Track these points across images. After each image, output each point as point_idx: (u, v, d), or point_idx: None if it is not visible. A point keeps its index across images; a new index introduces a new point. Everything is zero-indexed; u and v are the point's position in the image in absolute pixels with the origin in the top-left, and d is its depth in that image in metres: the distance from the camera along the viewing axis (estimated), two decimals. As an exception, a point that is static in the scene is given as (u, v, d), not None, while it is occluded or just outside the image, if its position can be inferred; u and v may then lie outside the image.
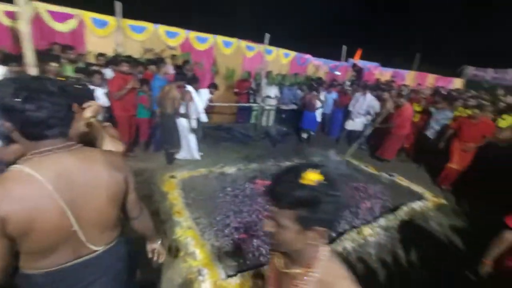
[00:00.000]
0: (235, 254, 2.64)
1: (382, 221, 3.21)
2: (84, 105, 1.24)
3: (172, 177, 3.71)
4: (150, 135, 4.78)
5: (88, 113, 1.23)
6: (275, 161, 4.76)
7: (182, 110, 4.17)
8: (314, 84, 6.39)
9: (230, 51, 6.80)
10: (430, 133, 5.12)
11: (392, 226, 3.15)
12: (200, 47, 6.35)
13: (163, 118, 4.15)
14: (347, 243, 2.71)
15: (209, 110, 6.24)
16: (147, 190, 3.30)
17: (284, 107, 6.88)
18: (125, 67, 4.01)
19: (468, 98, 5.95)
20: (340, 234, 2.96)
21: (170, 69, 5.37)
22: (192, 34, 6.20)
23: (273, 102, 6.89)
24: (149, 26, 5.73)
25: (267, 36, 5.71)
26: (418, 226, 3.24)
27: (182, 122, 4.27)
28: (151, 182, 3.52)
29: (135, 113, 4.38)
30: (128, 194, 1.09)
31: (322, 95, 6.33)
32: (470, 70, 11.49)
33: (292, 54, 7.93)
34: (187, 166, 4.17)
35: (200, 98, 4.69)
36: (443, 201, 3.90)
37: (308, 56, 8.29)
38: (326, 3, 15.51)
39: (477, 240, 3.07)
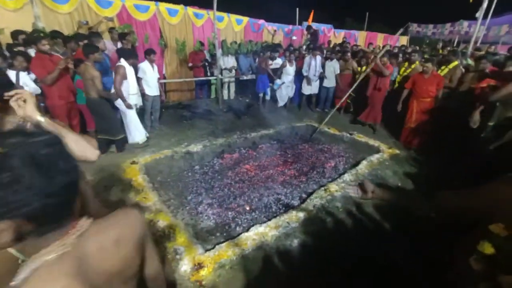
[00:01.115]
0: (211, 228, 2.65)
1: (346, 176, 3.44)
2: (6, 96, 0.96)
3: (134, 163, 3.47)
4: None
5: (18, 109, 0.96)
6: (241, 134, 4.72)
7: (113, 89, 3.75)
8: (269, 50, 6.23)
9: (177, 20, 6.17)
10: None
11: (355, 179, 3.40)
12: (141, 16, 5.64)
13: (89, 104, 3.59)
14: (316, 201, 2.87)
15: (164, 88, 5.83)
16: (108, 182, 3.05)
17: (244, 77, 6.68)
18: (45, 46, 3.39)
19: (411, 53, 6.34)
20: (310, 194, 3.12)
21: (108, 45, 4.75)
22: (129, 2, 5.43)
23: (232, 73, 6.63)
24: (74, -6, 4.88)
25: (215, 0, 5.27)
26: (377, 176, 3.55)
27: (118, 102, 3.82)
28: (111, 172, 3.25)
29: (74, 99, 3.85)
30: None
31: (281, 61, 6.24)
32: (414, 27, 12.16)
33: (245, 20, 7.53)
34: (149, 150, 3.92)
35: (149, 73, 4.31)
36: (396, 151, 4.28)
37: (262, 21, 7.97)
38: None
39: (425, 181, 3.50)
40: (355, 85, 5.02)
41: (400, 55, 5.93)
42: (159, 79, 4.64)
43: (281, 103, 6.39)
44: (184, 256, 2.04)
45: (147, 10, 5.69)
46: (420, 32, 11.87)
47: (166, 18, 6.00)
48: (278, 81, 6.11)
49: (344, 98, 5.51)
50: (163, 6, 5.91)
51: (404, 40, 12.24)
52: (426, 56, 6.07)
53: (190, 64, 6.42)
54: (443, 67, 4.59)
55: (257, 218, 2.87)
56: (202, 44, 6.43)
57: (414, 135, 4.39)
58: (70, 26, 4.93)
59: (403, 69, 5.15)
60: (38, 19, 4.55)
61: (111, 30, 4.97)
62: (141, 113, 4.46)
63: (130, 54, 3.93)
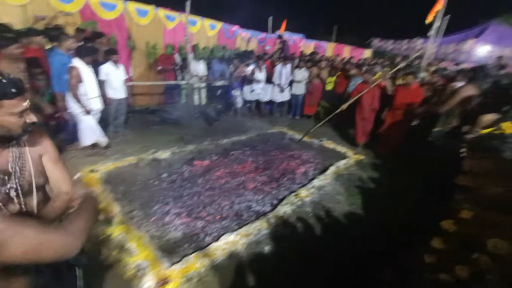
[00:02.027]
0: (179, 240, 2.52)
1: (315, 182, 3.52)
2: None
3: (92, 171, 3.21)
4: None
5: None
6: (212, 140, 4.62)
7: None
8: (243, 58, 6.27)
9: (147, 21, 5.94)
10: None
11: (323, 184, 3.50)
12: (107, 15, 5.33)
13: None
14: (287, 207, 2.88)
15: (131, 91, 5.52)
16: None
17: (217, 83, 6.59)
18: None
19: (374, 65, 6.81)
20: (281, 200, 3.13)
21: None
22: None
23: (203, 79, 6.52)
24: (30, -14, 4.46)
25: (188, 3, 5.18)
26: (343, 181, 3.68)
27: (73, 108, 3.55)
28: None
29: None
30: None
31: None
32: (376, 42, 13.14)
33: (219, 25, 7.50)
34: (112, 157, 3.66)
35: (113, 74, 4.06)
36: (362, 157, 4.50)
37: (236, 27, 8.00)
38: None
39: (385, 183, 3.71)
40: (349, 102, 4.70)
41: (364, 67, 6.33)
42: (126, 80, 4.38)
43: (237, 105, 6.41)
44: (147, 271, 1.90)
45: (114, 9, 5.40)
46: (381, 46, 12.85)
47: (135, 18, 5.74)
48: (233, 92, 6.12)
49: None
50: (132, 5, 5.65)
51: (368, 53, 13.12)
52: (386, 68, 6.56)
53: (160, 67, 6.18)
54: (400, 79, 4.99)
55: (228, 226, 2.79)
56: (173, 48, 6.25)
57: (383, 142, 4.64)
58: (24, 20, 4.48)
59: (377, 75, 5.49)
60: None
61: (76, 29, 4.55)
62: (103, 117, 4.17)
63: (87, 51, 3.61)
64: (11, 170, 0.96)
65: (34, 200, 1.04)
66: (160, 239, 2.50)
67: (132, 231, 2.32)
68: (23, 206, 1.00)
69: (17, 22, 4.34)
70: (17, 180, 0.97)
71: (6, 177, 0.94)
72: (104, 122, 4.19)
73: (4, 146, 0.95)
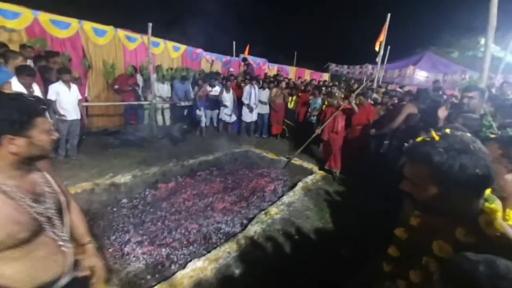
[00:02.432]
0: (141, 271, 2.27)
1: (285, 199, 3.53)
2: None
3: (37, 200, 2.81)
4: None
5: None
6: (178, 161, 4.43)
7: None
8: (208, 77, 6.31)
9: (105, 41, 5.73)
10: (311, 119, 6.03)
11: (293, 201, 3.52)
12: (60, 33, 5.02)
13: None
14: (257, 225, 2.82)
15: (87, 112, 5.14)
16: None
17: (181, 103, 6.48)
18: None
19: (332, 86, 7.37)
20: (251, 219, 3.05)
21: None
22: (44, 16, 4.79)
23: (167, 99, 6.38)
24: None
25: (150, 25, 5.15)
26: (311, 196, 3.76)
27: None
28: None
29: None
30: None
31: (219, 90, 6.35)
32: (333, 66, 14.40)
33: (183, 47, 7.55)
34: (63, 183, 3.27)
35: (63, 94, 3.76)
36: (326, 173, 4.68)
37: (200, 50, 8.12)
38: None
39: (350, 195, 3.88)
40: (322, 126, 4.57)
41: (323, 88, 6.80)
42: (80, 101, 4.08)
43: (203, 125, 6.34)
44: (101, 312, 1.65)
45: (68, 27, 5.12)
46: (338, 70, 14.12)
47: (92, 37, 5.50)
48: (198, 112, 6.11)
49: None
50: (88, 25, 5.42)
51: (326, 76, 14.24)
52: (342, 90, 7.14)
53: (116, 87, 5.89)
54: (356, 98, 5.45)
55: (196, 251, 2.61)
56: (134, 68, 6.05)
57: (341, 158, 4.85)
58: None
59: (327, 100, 5.87)
60: None
61: (22, 46, 4.17)
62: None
63: (24, 70, 3.25)
64: (42, 191, 0.95)
65: (67, 217, 1.05)
66: (118, 272, 2.23)
67: (84, 266, 2.03)
68: (62, 225, 0.99)
69: None
70: (50, 200, 0.97)
71: (41, 198, 0.93)
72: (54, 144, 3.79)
73: (30, 167, 0.94)
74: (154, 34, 5.53)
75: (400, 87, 7.37)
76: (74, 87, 3.93)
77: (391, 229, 1.05)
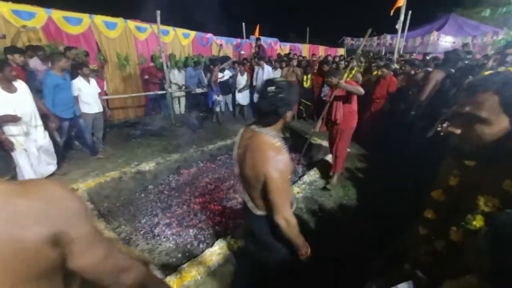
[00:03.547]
0: (171, 250, 2.40)
1: (306, 178, 3.51)
2: None
3: (72, 190, 3.00)
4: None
5: None
6: (197, 147, 4.52)
7: None
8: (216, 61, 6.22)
9: (116, 34, 5.76)
10: (323, 96, 5.83)
11: (314, 179, 3.50)
12: (73, 30, 5.10)
13: None
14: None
15: (107, 105, 5.31)
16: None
17: (197, 90, 6.49)
18: None
19: (350, 60, 7.00)
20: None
21: (34, 63, 4.18)
22: (57, 14, 4.87)
23: (182, 87, 6.41)
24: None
25: (158, 13, 5.10)
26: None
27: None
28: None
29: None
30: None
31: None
32: (348, 41, 13.67)
33: (192, 34, 7.45)
34: (92, 173, 3.46)
35: (84, 89, 3.88)
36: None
37: (210, 35, 7.99)
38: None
39: (375, 170, 3.78)
40: (318, 120, 3.66)
41: (342, 63, 6.48)
42: (100, 94, 4.20)
43: (219, 110, 6.30)
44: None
45: (80, 23, 5.19)
46: (353, 44, 13.38)
47: (103, 31, 5.56)
48: (217, 98, 6.09)
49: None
50: (99, 18, 5.46)
51: (341, 52, 13.59)
52: (360, 64, 6.79)
53: (146, 77, 6.11)
54: (375, 72, 5.17)
55: (221, 231, 2.70)
56: (155, 58, 6.13)
57: (365, 133, 4.69)
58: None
59: (345, 74, 5.62)
60: None
61: (36, 47, 4.29)
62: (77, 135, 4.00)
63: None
64: None
65: None
66: (151, 252, 2.37)
67: (121, 246, 2.17)
68: None
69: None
70: None
71: None
72: (80, 138, 3.98)
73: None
74: (163, 22, 5.48)
75: (423, 56, 6.85)
76: (93, 80, 4.04)
77: (418, 204, 1.01)
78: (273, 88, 1.14)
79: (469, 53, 5.28)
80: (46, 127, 3.25)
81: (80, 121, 3.89)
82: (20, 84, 2.90)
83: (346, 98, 3.10)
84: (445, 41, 9.61)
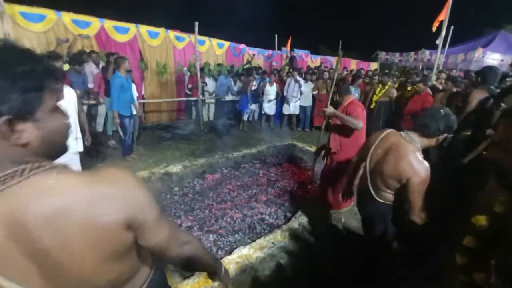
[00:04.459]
0: (191, 254, 2.45)
1: (329, 193, 3.40)
2: None
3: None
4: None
5: None
6: (223, 154, 4.61)
7: None
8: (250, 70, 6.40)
9: (158, 42, 6.20)
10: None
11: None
12: (121, 38, 5.59)
13: None
14: (302, 218, 2.78)
15: (143, 109, 5.68)
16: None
17: (226, 98, 6.70)
18: None
19: (383, 75, 6.80)
20: (295, 212, 3.03)
21: (89, 68, 4.64)
22: (109, 23, 5.39)
23: (213, 95, 6.66)
24: (50, 13, 4.73)
25: (197, 24, 5.41)
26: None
27: None
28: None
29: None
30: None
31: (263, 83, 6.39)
32: (382, 55, 13.27)
33: (226, 44, 7.76)
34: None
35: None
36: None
37: (243, 45, 8.25)
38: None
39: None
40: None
41: (375, 78, 6.31)
42: (137, 98, 4.51)
43: (247, 119, 6.49)
44: (159, 285, 1.83)
45: (127, 32, 5.68)
46: (388, 59, 12.94)
47: (147, 40, 6.01)
48: (251, 107, 6.25)
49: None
50: (144, 28, 5.94)
51: (374, 66, 13.20)
52: (395, 79, 6.53)
53: (190, 86, 6.50)
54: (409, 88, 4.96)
55: (241, 240, 2.71)
56: (182, 67, 6.50)
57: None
58: (44, 44, 4.74)
59: (378, 89, 5.46)
60: (8, 37, 4.35)
61: (90, 53, 4.80)
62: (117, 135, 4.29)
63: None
64: None
65: None
66: (172, 253, 2.43)
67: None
68: None
69: (36, 46, 4.60)
70: None
71: None
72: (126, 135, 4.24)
73: None
74: (200, 32, 5.79)
75: (465, 73, 6.40)
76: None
77: (455, 223, 0.94)
78: (444, 111, 1.48)
79: (516, 73, 4.84)
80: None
81: (133, 119, 4.16)
82: (68, 91, 2.51)
83: (344, 127, 2.67)
84: (492, 58, 8.91)
